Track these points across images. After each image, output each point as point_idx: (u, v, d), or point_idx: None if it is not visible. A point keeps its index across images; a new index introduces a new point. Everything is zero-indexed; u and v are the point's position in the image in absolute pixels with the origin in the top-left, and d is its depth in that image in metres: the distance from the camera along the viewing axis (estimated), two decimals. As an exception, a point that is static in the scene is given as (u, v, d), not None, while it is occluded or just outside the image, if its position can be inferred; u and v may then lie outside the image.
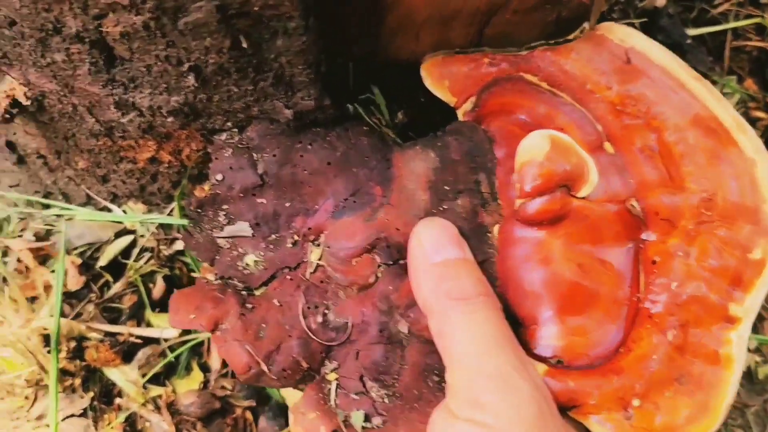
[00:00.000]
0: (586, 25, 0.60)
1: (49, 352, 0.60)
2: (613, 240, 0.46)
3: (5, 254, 0.65)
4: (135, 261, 0.62)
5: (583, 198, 0.46)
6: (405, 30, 0.51)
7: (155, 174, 0.60)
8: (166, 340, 0.63)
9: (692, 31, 0.78)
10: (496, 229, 0.48)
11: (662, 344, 0.43)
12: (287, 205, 0.49)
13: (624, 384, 0.42)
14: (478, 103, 0.52)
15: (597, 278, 0.45)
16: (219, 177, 0.49)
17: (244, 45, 0.45)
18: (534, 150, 0.44)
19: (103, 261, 0.65)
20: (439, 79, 0.53)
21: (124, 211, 0.63)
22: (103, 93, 0.50)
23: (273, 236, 0.49)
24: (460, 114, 0.53)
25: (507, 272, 0.46)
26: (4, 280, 0.64)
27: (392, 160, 0.50)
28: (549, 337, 0.44)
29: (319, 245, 0.49)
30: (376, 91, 0.54)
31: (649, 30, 0.77)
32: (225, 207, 0.50)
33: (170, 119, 0.51)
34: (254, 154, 0.50)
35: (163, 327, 0.63)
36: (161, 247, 0.62)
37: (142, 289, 0.62)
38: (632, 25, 0.77)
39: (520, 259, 0.46)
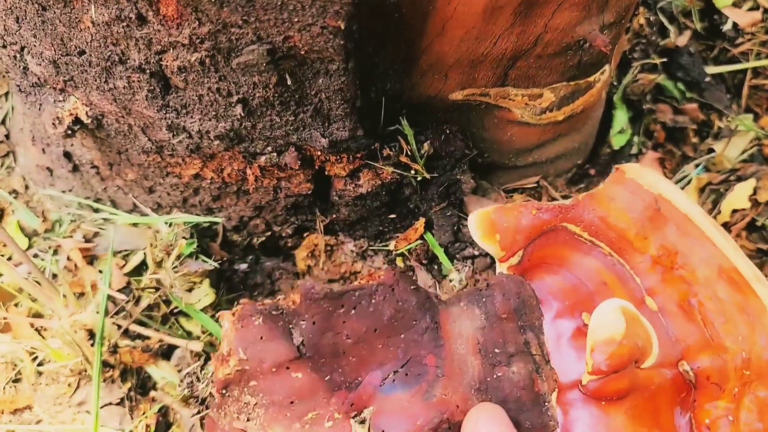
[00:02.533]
0: (606, 67, 0.63)
1: (92, 345, 0.65)
2: (669, 406, 0.45)
3: (56, 252, 0.71)
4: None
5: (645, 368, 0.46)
6: (435, 71, 0.55)
7: (197, 188, 0.65)
8: (191, 351, 0.68)
9: (712, 69, 0.81)
10: (553, 397, 0.46)
11: None
12: (326, 379, 0.45)
13: None
14: (524, 256, 0.51)
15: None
16: (246, 352, 0.44)
17: (289, 82, 0.49)
18: (611, 328, 0.43)
19: (128, 267, 0.69)
20: (490, 233, 0.53)
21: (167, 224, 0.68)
22: (157, 116, 0.55)
23: (309, 415, 0.44)
24: (504, 266, 0.53)
25: None
26: (55, 276, 0.70)
27: (440, 321, 0.47)
28: None
29: (363, 423, 0.44)
30: (404, 123, 0.58)
31: (669, 68, 0.80)
32: (253, 384, 0.44)
33: (216, 142, 0.56)
34: (289, 322, 0.45)
35: (192, 335, 0.68)
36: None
37: (173, 295, 0.66)
38: (654, 65, 0.80)
39: None
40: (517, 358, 0.46)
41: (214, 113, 0.53)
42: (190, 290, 0.63)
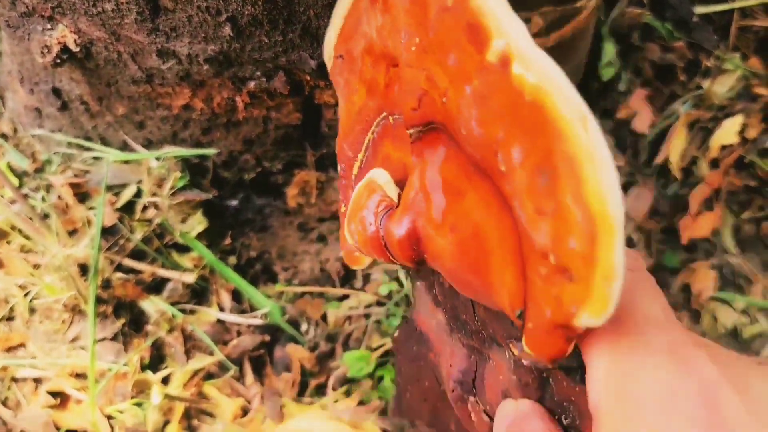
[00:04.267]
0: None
1: (86, 280, 0.65)
2: None
3: (47, 191, 0.71)
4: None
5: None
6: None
7: (187, 121, 0.65)
8: (184, 283, 0.68)
9: (700, 9, 0.82)
10: None
11: None
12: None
13: None
14: None
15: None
16: None
17: (277, -2, 0.49)
18: None
19: (120, 203, 0.69)
20: None
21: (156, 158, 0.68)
22: (146, 41, 0.55)
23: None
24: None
25: None
26: (46, 216, 0.70)
27: None
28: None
29: None
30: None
31: (657, 7, 0.81)
32: None
33: (206, 67, 0.56)
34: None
35: (184, 268, 0.68)
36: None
37: (168, 223, 0.66)
38: (642, 2, 0.80)
39: None
40: None
41: (203, 35, 0.53)
42: (183, 221, 0.64)
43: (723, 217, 0.75)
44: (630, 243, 0.71)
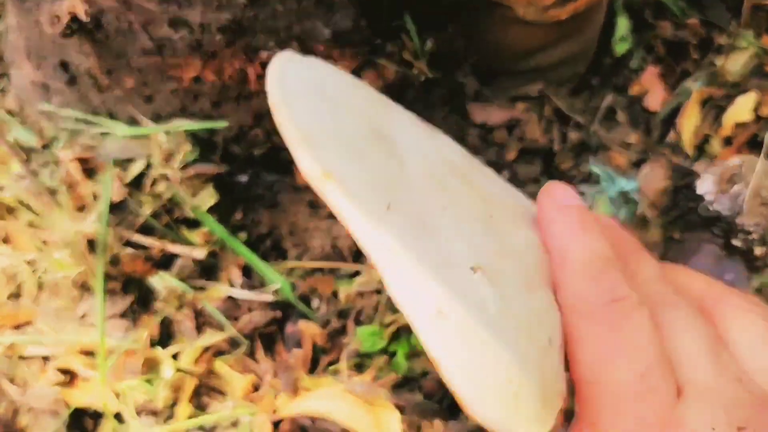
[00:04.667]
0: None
1: (94, 256, 0.64)
2: None
3: (55, 167, 0.70)
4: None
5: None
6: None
7: (197, 94, 0.64)
8: (194, 259, 0.67)
9: (712, -13, 0.81)
10: None
11: None
12: None
13: None
14: None
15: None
16: None
17: (292, -37, 0.49)
18: None
19: (128, 178, 0.68)
20: None
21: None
22: (158, 10, 0.54)
23: None
24: None
25: None
26: (54, 192, 0.69)
27: None
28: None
29: None
30: (407, 18, 0.57)
31: (670, -16, 0.80)
32: None
33: (218, 36, 0.55)
34: None
35: (194, 243, 0.67)
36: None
37: (179, 195, 0.65)
38: (654, -22, 0.79)
39: None
40: None
41: (217, 3, 0.53)
42: (193, 196, 0.63)
43: (735, 196, 0.75)
44: (644, 220, 0.70)
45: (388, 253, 0.30)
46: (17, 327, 0.68)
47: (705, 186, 0.47)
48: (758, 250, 0.47)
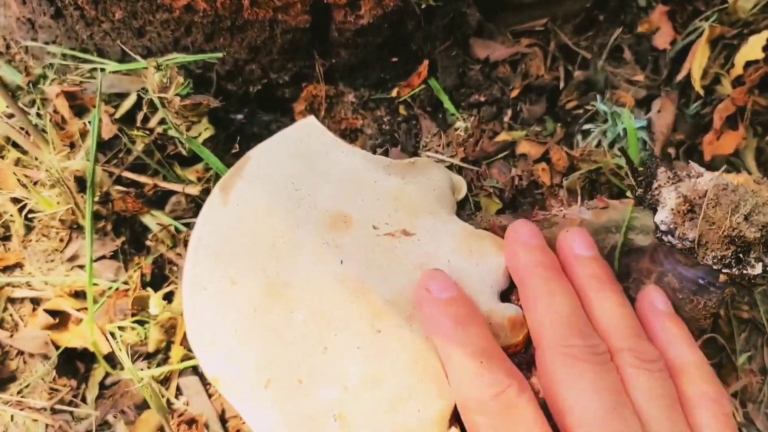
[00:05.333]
0: None
1: (83, 195, 0.62)
2: None
3: (43, 105, 0.68)
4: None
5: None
6: None
7: (190, 25, 0.61)
8: (187, 196, 0.65)
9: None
10: None
11: None
12: None
13: None
14: None
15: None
16: None
17: None
18: None
19: (118, 114, 0.65)
20: None
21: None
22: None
23: None
24: None
25: None
26: (43, 130, 0.67)
27: None
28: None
29: None
30: (410, -60, 0.55)
31: None
32: None
33: (209, -45, 0.53)
34: None
35: (187, 180, 0.65)
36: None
37: (174, 125, 0.63)
38: None
39: None
40: None
41: None
42: (188, 129, 0.60)
43: (747, 139, 0.72)
44: (651, 162, 0.68)
45: (267, 424, 0.41)
46: (5, 269, 0.66)
47: (661, 215, 0.40)
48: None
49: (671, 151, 0.69)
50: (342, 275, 0.46)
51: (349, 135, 0.69)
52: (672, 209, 0.39)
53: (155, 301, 0.60)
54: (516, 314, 0.45)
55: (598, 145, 0.69)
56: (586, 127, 0.67)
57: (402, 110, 0.67)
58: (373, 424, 0.41)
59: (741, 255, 0.38)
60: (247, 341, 0.44)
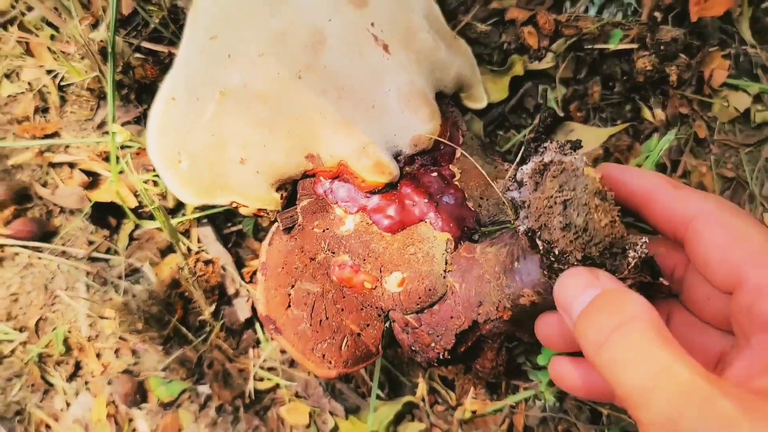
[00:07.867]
0: None
1: (106, 63, 0.70)
2: None
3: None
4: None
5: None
6: None
7: None
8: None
9: None
10: None
11: None
12: None
13: None
14: None
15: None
16: None
17: None
18: None
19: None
20: None
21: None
22: None
23: None
24: None
25: None
26: (70, 11, 0.74)
27: None
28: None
29: None
30: None
31: None
32: None
33: None
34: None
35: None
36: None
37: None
38: None
39: None
40: None
41: None
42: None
43: (742, 6, 0.73)
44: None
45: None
46: (46, 137, 0.74)
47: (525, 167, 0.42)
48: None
49: (657, 15, 0.71)
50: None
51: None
52: (532, 167, 0.40)
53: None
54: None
55: (586, 11, 0.71)
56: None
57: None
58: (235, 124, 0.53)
59: (543, 235, 0.38)
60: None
